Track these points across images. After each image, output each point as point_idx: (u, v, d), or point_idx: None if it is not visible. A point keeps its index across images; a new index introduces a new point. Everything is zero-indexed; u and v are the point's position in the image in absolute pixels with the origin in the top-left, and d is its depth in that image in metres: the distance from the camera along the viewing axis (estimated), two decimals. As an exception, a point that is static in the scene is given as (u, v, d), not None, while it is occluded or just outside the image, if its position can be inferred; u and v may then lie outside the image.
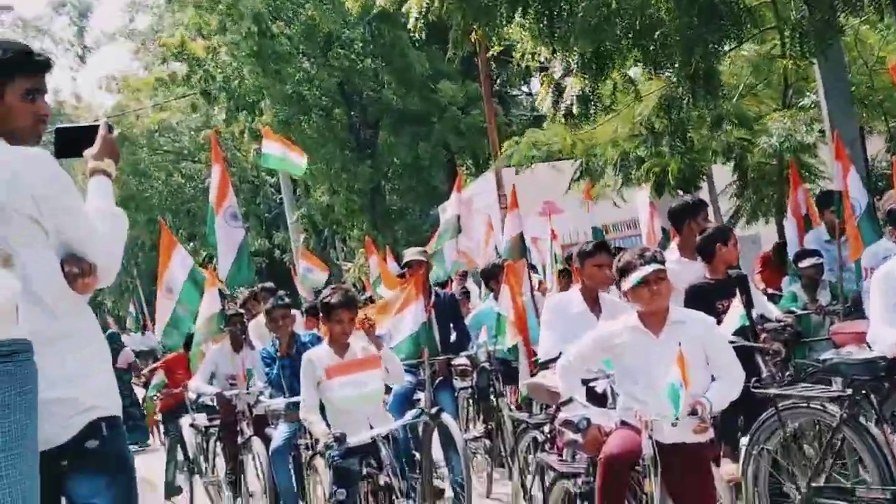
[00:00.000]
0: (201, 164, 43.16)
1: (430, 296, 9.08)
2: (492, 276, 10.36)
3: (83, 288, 3.39)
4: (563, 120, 13.01)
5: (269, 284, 12.57)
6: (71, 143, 3.70)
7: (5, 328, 2.36)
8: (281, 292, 10.06)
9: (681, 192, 12.35)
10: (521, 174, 15.34)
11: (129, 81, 42.39)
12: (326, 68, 27.33)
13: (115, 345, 17.89)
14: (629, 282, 4.84)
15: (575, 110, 12.31)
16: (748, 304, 6.80)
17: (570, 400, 5.57)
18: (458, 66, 27.68)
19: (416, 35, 12.32)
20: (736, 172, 14.63)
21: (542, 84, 13.61)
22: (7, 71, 3.34)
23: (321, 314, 6.58)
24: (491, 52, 18.28)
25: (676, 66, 11.71)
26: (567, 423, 5.26)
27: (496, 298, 9.50)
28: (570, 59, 12.16)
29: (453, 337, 9.47)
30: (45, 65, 3.45)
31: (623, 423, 4.84)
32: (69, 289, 3.35)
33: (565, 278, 10.56)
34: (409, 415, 6.77)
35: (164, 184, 44.39)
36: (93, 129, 3.72)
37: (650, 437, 4.54)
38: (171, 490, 11.14)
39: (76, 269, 3.35)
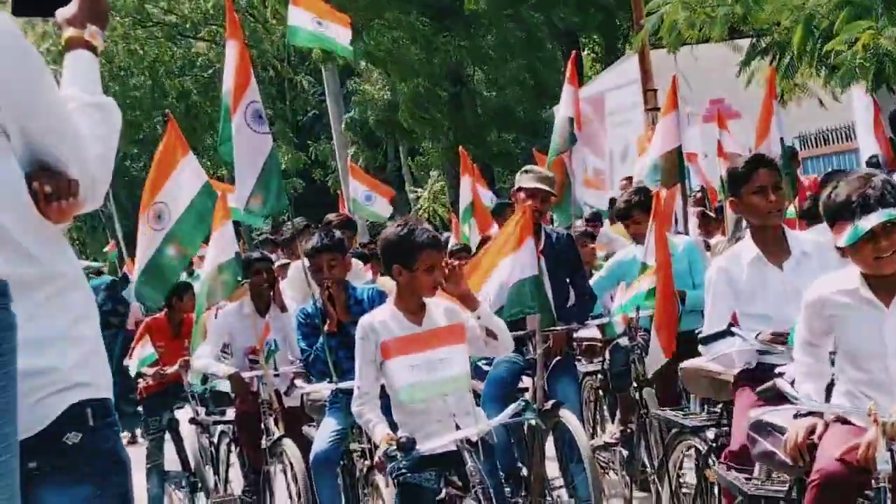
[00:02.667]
0: (206, 43, 43.43)
1: (541, 238, 8.96)
2: (629, 214, 10.14)
3: (59, 214, 3.41)
4: None
5: (335, 217, 12.07)
6: None
7: None
8: (334, 217, 10.06)
9: None
10: (675, 56, 15.20)
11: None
12: None
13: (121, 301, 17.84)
14: (847, 234, 4.73)
15: None
16: None
17: (746, 387, 5.59)
18: None
19: None
20: None
21: None
22: None
23: (391, 260, 6.43)
24: None
25: None
26: (761, 426, 5.26)
27: (638, 242, 9.44)
28: None
29: (571, 298, 9.30)
30: None
31: (844, 424, 4.81)
32: (39, 216, 3.37)
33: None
34: (510, 410, 6.53)
35: (150, 70, 44.62)
36: None
37: (890, 447, 4.51)
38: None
39: (49, 187, 3.37)
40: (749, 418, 5.47)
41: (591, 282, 9.74)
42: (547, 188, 9.07)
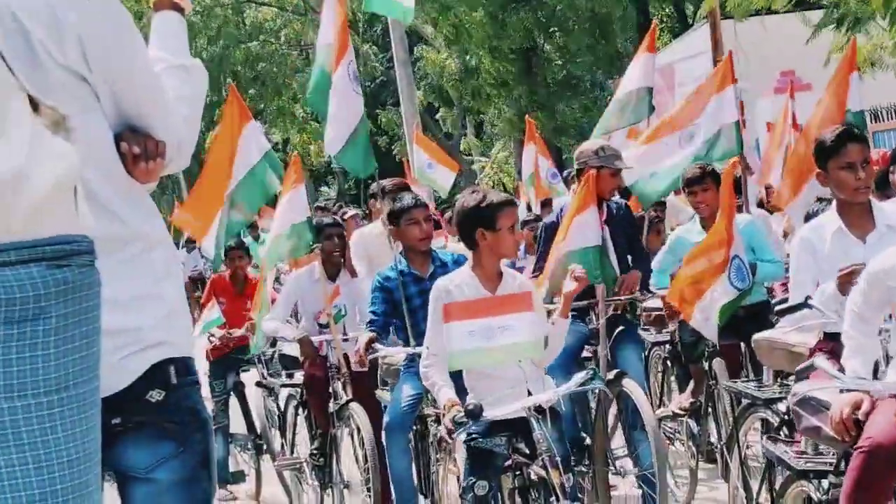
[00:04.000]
0: (273, 8, 43.47)
1: (603, 210, 8.84)
2: (698, 182, 10.03)
3: (146, 174, 3.44)
4: None
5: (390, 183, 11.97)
6: None
7: (62, 219, 2.42)
8: (388, 182, 10.01)
9: None
10: (746, 25, 15.16)
11: None
12: None
13: None
14: None
15: None
16: None
17: (812, 366, 5.59)
18: None
19: None
20: None
21: None
22: None
23: (474, 225, 6.29)
24: None
25: None
26: (809, 401, 5.27)
27: (700, 213, 9.40)
28: None
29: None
30: None
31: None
32: (127, 175, 3.42)
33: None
34: (576, 379, 6.46)
35: (217, 36, 44.61)
36: None
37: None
38: (228, 475, 11.41)
39: (137, 147, 3.40)
40: (795, 392, 5.48)
41: (656, 259, 9.78)
42: (611, 166, 8.91)
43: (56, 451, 2.37)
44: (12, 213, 2.35)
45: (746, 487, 6.82)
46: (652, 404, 8.48)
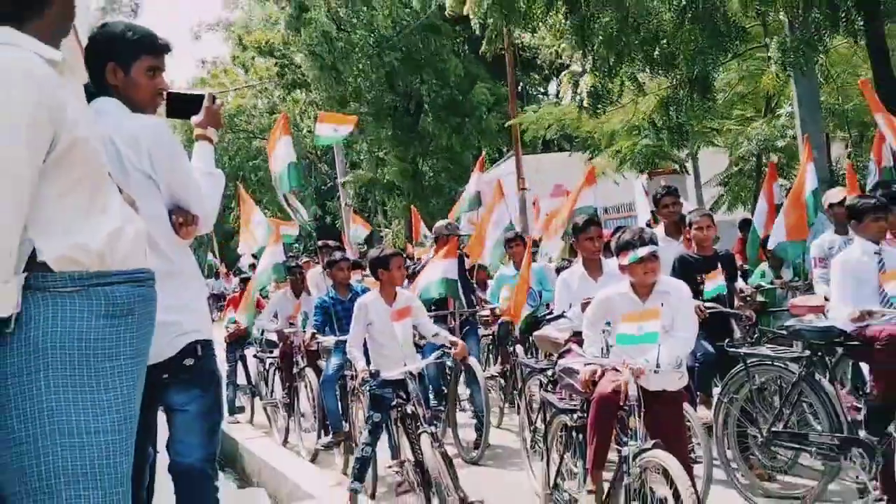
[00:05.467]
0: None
1: (461, 260, 8.97)
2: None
3: (186, 235, 3.45)
4: (578, 109, 13.49)
5: (333, 243, 12.01)
6: (179, 107, 3.67)
7: (142, 258, 2.46)
8: (332, 242, 10.03)
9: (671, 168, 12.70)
10: (535, 160, 15.43)
11: (219, 70, 42.41)
12: (378, 65, 27.07)
13: None
14: (627, 259, 4.79)
15: (585, 103, 12.77)
16: (731, 278, 6.84)
17: (569, 350, 5.57)
18: (488, 73, 27.60)
19: (458, 45, 12.58)
20: (731, 156, 14.96)
21: (563, 80, 14.27)
22: (135, 50, 3.38)
23: (376, 267, 6.37)
24: (518, 46, 18.55)
25: (679, 71, 11.89)
26: (566, 369, 5.25)
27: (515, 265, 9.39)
28: (588, 59, 12.46)
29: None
30: (165, 47, 3.47)
31: (614, 370, 4.79)
32: (176, 235, 3.42)
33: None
34: (434, 355, 6.71)
35: (240, 157, 44.25)
36: (199, 98, 3.74)
37: (636, 383, 4.51)
38: (234, 409, 11.29)
39: (182, 218, 3.41)
40: (559, 364, 5.46)
41: (489, 291, 9.79)
42: (450, 232, 9.21)
43: (128, 391, 2.34)
44: (120, 253, 2.38)
45: (529, 418, 6.78)
46: (482, 370, 8.42)
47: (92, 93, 3.32)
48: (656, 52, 11.58)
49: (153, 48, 3.42)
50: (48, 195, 2.25)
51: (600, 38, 11.63)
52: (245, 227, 11.29)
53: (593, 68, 12.31)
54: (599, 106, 12.88)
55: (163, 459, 3.52)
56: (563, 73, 14.17)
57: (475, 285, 10.09)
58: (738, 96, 15.25)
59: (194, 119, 3.71)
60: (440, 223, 9.72)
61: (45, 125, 2.19)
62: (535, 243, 10.27)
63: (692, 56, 11.17)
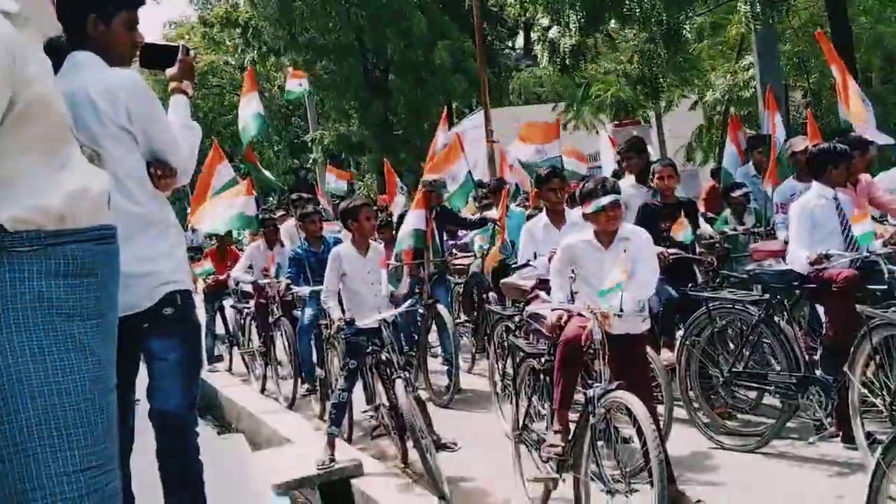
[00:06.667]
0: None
1: (433, 212, 8.87)
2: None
3: (165, 187, 3.45)
4: (559, 68, 13.76)
5: (305, 195, 11.94)
6: (153, 58, 3.62)
7: (104, 214, 2.38)
8: (304, 194, 9.94)
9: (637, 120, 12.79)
10: (518, 111, 15.49)
11: (184, 28, 41.59)
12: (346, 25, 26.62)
13: None
14: (590, 207, 4.81)
15: (568, 62, 12.73)
16: (693, 225, 6.90)
17: (536, 296, 5.60)
18: (455, 25, 27.27)
19: None
20: (696, 107, 15.08)
21: (537, 42, 14.42)
22: (116, 3, 3.38)
23: (346, 217, 6.37)
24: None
25: (653, 25, 11.97)
26: (533, 315, 5.28)
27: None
28: (565, 20, 12.51)
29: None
30: (141, 1, 3.48)
31: (579, 316, 4.83)
32: (152, 186, 3.40)
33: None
34: (406, 304, 6.72)
35: (212, 112, 43.55)
36: (173, 49, 3.71)
37: (600, 327, 4.55)
38: (212, 358, 11.32)
39: (160, 170, 3.41)
40: (526, 311, 5.48)
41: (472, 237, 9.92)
42: (429, 189, 8.96)
43: (98, 350, 2.25)
44: (81, 211, 2.26)
45: (498, 362, 6.83)
46: (452, 318, 8.46)
47: (54, 47, 3.28)
48: (625, 9, 11.57)
49: (132, 2, 3.42)
50: (5, 154, 2.13)
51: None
52: (202, 194, 10.42)
53: (567, 29, 12.36)
54: (580, 62, 13.03)
55: (144, 406, 3.53)
56: (533, 29, 14.09)
57: (446, 235, 10.08)
58: (708, 47, 15.29)
59: (169, 72, 3.67)
60: (428, 177, 9.62)
61: (1, 87, 2.07)
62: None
63: (665, 8, 11.20)
